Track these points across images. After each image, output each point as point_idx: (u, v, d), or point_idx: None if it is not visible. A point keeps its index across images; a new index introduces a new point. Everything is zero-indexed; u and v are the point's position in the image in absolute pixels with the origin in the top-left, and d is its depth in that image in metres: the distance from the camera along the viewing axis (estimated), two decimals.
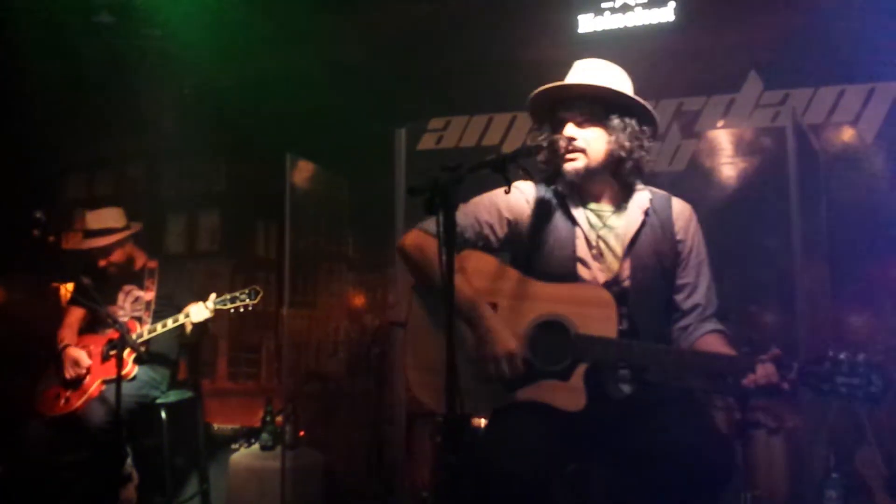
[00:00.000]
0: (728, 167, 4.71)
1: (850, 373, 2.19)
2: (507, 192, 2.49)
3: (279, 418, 4.61)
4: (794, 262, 3.67)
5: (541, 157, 2.66)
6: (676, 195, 2.75)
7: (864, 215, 4.34)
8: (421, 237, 2.69)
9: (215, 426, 5.30)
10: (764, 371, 2.28)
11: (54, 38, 5.21)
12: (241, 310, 4.13)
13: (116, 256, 4.33)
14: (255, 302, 4.13)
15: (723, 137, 4.75)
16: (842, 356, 2.21)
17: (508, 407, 2.50)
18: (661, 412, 2.44)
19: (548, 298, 2.54)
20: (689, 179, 4.71)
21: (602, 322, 2.44)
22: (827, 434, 3.83)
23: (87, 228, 4.35)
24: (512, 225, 2.70)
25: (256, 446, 4.66)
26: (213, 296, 4.10)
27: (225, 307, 4.11)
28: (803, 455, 3.85)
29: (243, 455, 4.58)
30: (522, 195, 2.71)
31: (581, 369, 2.44)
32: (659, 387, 2.54)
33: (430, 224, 2.59)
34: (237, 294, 4.12)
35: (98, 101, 5.73)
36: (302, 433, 4.65)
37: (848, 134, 4.59)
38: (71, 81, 5.53)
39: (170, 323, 4.10)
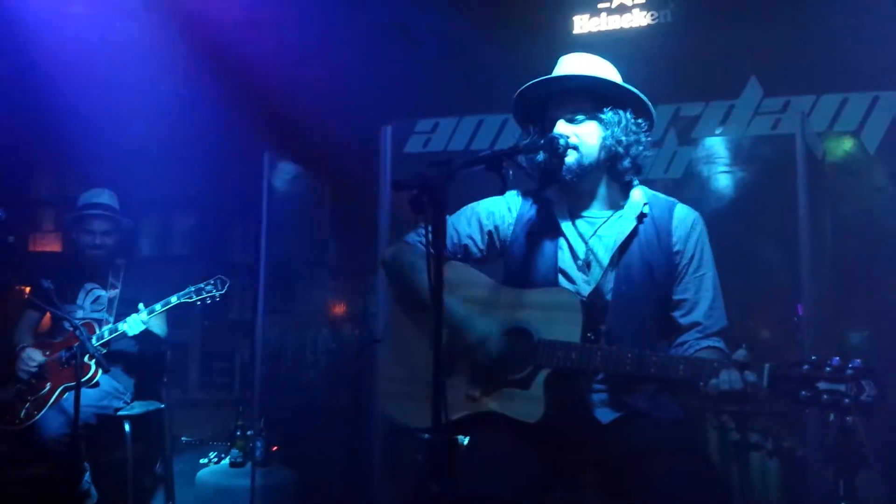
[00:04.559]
0: (727, 175, 4.53)
1: (835, 378, 1.92)
2: (501, 193, 2.32)
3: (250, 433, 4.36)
4: (801, 273, 3.49)
5: (538, 157, 2.46)
6: None
7: (866, 227, 4.18)
8: (398, 246, 2.64)
9: (184, 439, 5.05)
10: (727, 376, 2.06)
11: (21, 30, 4.96)
12: (209, 301, 3.84)
13: (111, 239, 4.12)
14: (222, 293, 3.85)
15: (722, 145, 4.56)
16: (828, 360, 1.94)
17: (482, 423, 2.34)
18: (651, 444, 2.23)
19: (518, 305, 2.40)
20: (686, 188, 4.52)
21: (566, 326, 2.28)
22: (827, 456, 3.64)
23: (86, 202, 4.15)
24: (493, 236, 2.59)
25: (226, 462, 4.41)
26: (141, 304, 3.83)
27: (190, 300, 3.83)
28: (803, 478, 3.66)
29: (211, 472, 4.33)
30: (505, 204, 2.60)
31: (542, 376, 2.28)
32: (647, 415, 2.34)
33: (411, 233, 2.62)
34: (202, 285, 3.84)
35: (69, 98, 5.47)
36: (275, 448, 4.41)
37: (850, 143, 4.43)
38: (39, 77, 5.28)
39: (106, 335, 3.84)
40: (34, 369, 3.84)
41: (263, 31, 5.08)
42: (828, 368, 1.94)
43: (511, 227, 2.56)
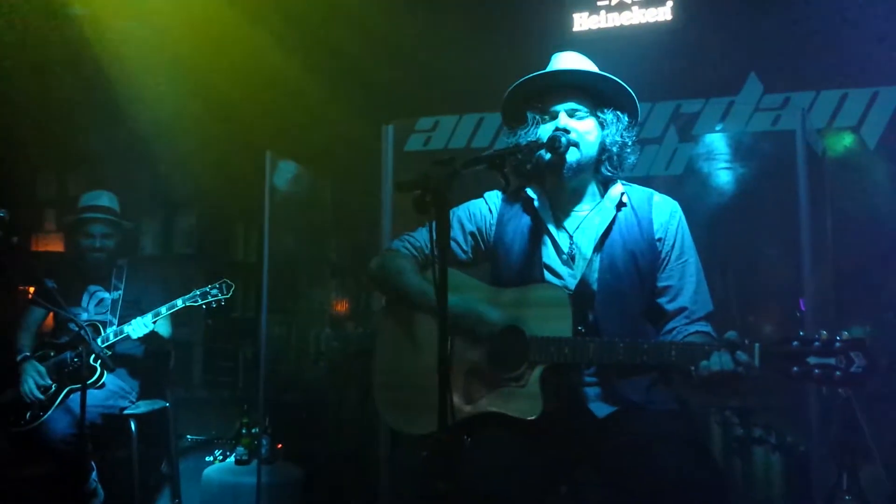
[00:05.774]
0: (727, 172, 4.53)
1: (825, 352, 1.95)
2: (504, 191, 2.46)
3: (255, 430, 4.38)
4: (802, 270, 3.50)
5: (537, 153, 2.48)
6: (674, 199, 2.59)
7: (866, 222, 4.19)
8: (383, 255, 2.69)
9: (189, 437, 5.07)
10: (718, 357, 2.10)
11: (22, 32, 4.96)
12: (214, 306, 3.88)
13: (112, 242, 4.13)
14: (227, 297, 3.88)
15: (722, 141, 4.57)
16: (816, 335, 1.97)
17: (481, 423, 2.37)
18: (648, 436, 2.24)
19: (507, 304, 2.44)
20: (687, 184, 4.52)
21: (557, 322, 2.32)
22: (830, 451, 3.65)
23: (86, 205, 4.15)
24: (477, 237, 2.64)
25: (231, 460, 4.42)
26: (149, 315, 3.84)
27: (196, 304, 3.86)
28: (807, 473, 3.67)
29: (217, 470, 4.35)
30: (486, 205, 2.65)
31: (537, 373, 2.31)
32: (642, 407, 2.36)
33: (395, 241, 2.68)
34: (207, 289, 3.87)
35: (70, 97, 5.47)
36: (280, 446, 4.42)
37: (850, 139, 4.44)
38: (40, 76, 5.28)
39: (111, 338, 3.86)
40: (41, 395, 3.82)
41: (264, 29, 5.08)
42: (817, 343, 1.97)
43: (493, 228, 2.61)
